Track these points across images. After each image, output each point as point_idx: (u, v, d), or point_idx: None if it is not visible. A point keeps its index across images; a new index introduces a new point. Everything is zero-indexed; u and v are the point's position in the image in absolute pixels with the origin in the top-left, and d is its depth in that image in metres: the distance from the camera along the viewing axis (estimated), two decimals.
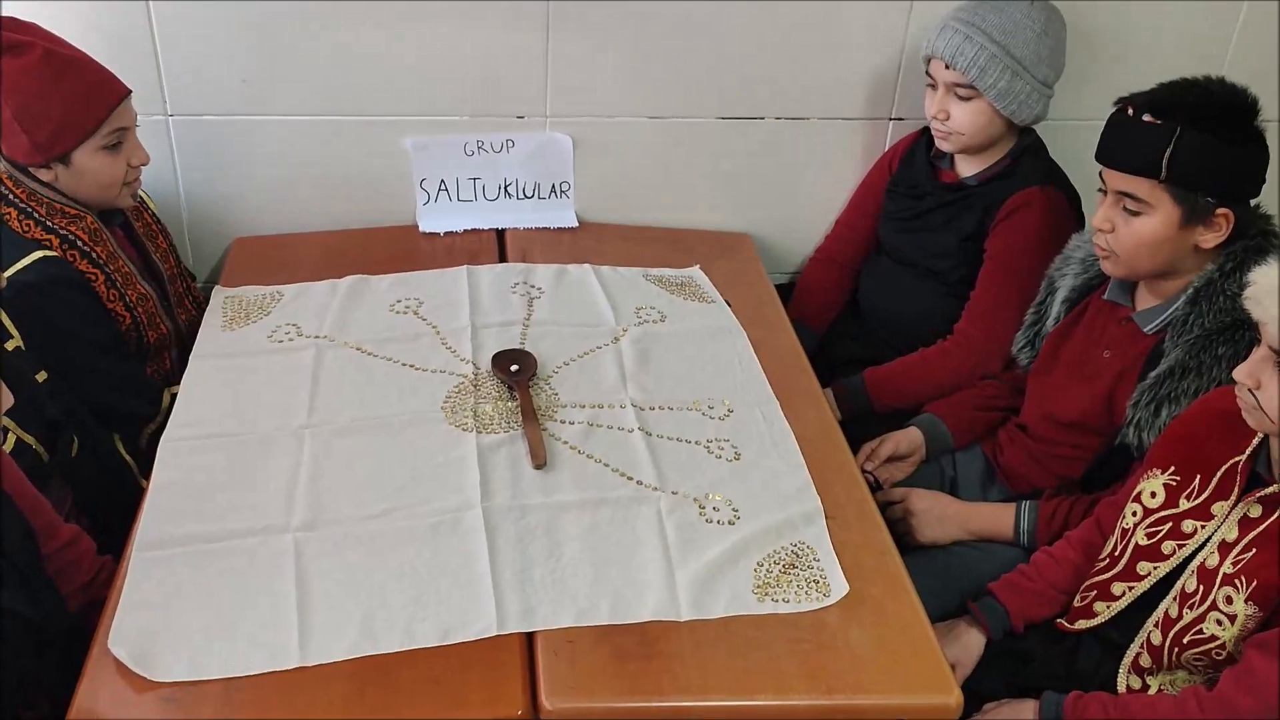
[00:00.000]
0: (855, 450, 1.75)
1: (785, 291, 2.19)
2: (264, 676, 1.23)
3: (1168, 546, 1.45)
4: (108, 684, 1.23)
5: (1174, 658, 1.43)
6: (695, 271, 2.05)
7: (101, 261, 1.72)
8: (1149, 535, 1.47)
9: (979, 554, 1.74)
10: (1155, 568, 1.46)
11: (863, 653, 1.32)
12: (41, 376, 1.60)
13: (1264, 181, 1.58)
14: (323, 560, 1.37)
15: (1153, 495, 1.48)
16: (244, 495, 1.47)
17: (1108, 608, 1.51)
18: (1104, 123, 1.60)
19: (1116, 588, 1.50)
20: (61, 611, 1.36)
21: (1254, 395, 1.30)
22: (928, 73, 1.95)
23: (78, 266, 1.70)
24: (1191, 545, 1.43)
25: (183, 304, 1.93)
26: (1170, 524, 1.45)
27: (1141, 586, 1.47)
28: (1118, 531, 1.52)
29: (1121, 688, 1.48)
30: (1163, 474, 1.48)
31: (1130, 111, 1.56)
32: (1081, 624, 1.54)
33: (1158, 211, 1.55)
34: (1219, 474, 1.42)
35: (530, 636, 1.29)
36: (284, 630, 1.27)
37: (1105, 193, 1.61)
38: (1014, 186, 1.93)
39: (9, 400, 1.19)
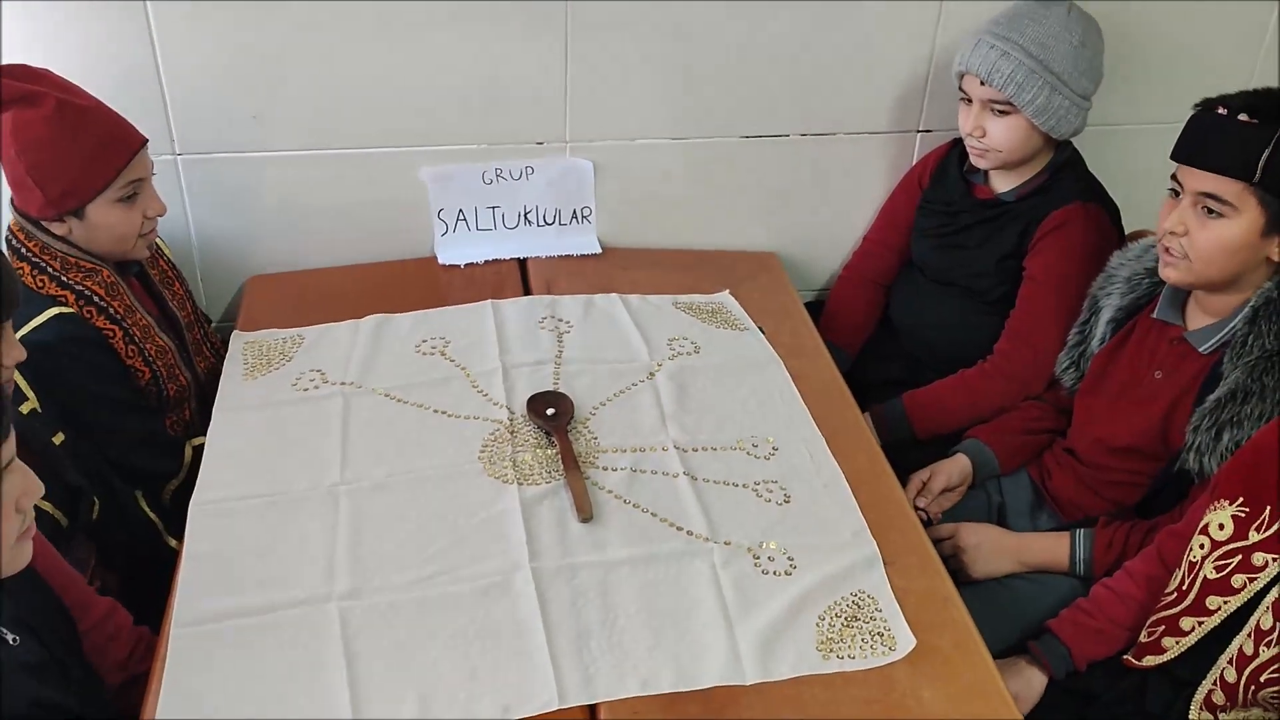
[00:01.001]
0: (900, 477, 1.70)
1: (814, 309, 2.15)
2: None
3: (1238, 580, 1.40)
4: None
5: (1250, 695, 1.39)
6: (725, 297, 1.99)
7: (119, 317, 1.67)
8: (1218, 569, 1.43)
9: (1035, 586, 1.69)
10: (1226, 602, 1.41)
11: (933, 708, 1.28)
12: (59, 439, 1.54)
13: None
14: (370, 633, 1.32)
15: (1221, 527, 1.44)
16: (282, 562, 1.42)
17: (1177, 643, 1.46)
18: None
19: (1185, 623, 1.45)
20: (103, 703, 1.31)
21: None
22: (961, 88, 1.89)
23: (95, 323, 1.64)
24: (1263, 579, 1.38)
25: (201, 351, 1.87)
26: (1240, 556, 1.41)
27: (1212, 622, 1.43)
28: (1184, 564, 1.48)
29: None
30: (1231, 505, 1.44)
31: (1223, 110, 1.51)
32: (1149, 660, 1.49)
33: (1242, 215, 1.50)
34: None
35: (593, 709, 1.25)
36: (336, 710, 1.22)
37: (1177, 194, 1.56)
38: (1054, 203, 1.89)
39: (40, 489, 1.13)
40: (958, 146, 2.02)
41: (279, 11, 1.85)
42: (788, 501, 1.54)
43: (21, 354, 1.39)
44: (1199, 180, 1.53)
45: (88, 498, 1.59)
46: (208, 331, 1.93)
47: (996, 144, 1.86)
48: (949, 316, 2.01)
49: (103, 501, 1.61)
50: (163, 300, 1.80)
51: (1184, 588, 1.47)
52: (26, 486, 1.10)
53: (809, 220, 2.19)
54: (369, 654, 1.29)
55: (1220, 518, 1.44)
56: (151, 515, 1.69)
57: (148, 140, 1.66)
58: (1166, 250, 1.58)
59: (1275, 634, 1.36)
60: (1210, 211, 1.52)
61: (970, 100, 1.88)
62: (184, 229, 1.99)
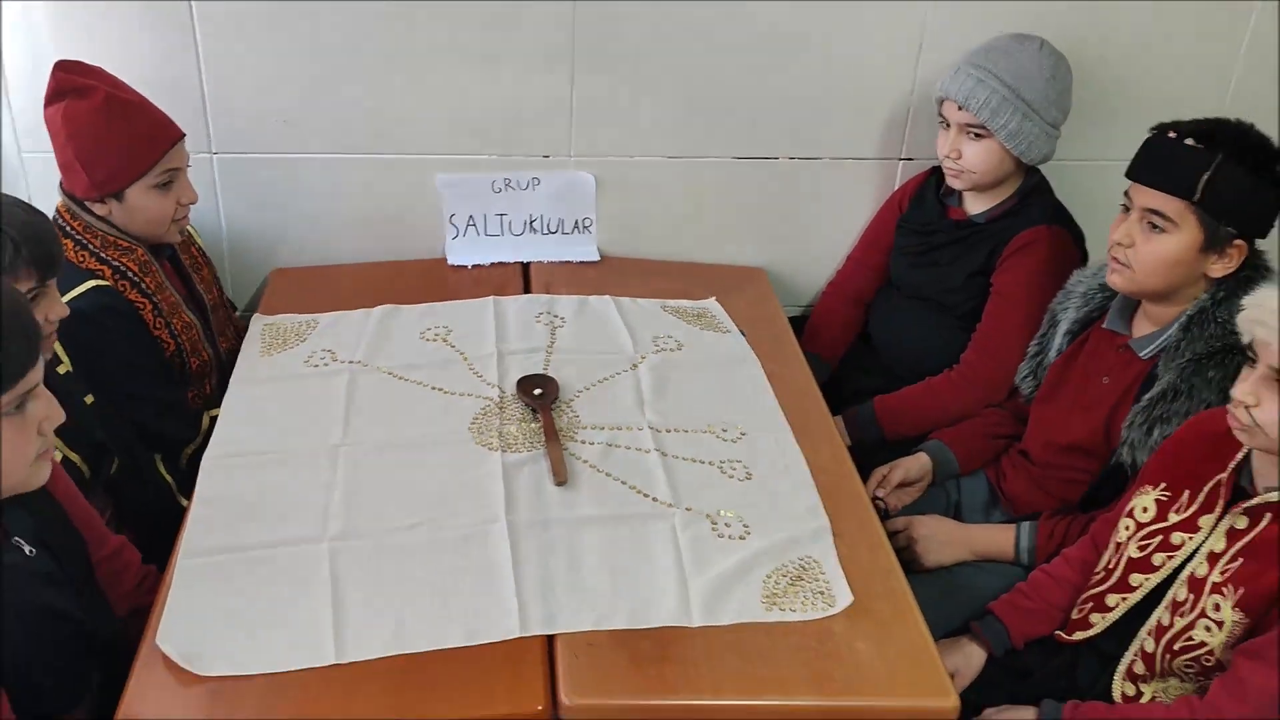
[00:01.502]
0: (864, 475, 1.82)
1: (798, 323, 2.28)
2: (302, 673, 1.31)
3: (1158, 558, 1.52)
4: (156, 679, 1.31)
5: (1166, 665, 1.49)
6: (712, 303, 2.14)
7: (150, 291, 1.83)
8: (1141, 548, 1.54)
9: (980, 572, 1.81)
10: (1147, 579, 1.52)
11: (865, 660, 1.39)
12: (89, 399, 1.70)
13: (1273, 225, 1.66)
14: (356, 569, 1.45)
15: (1144, 510, 1.55)
16: (281, 509, 1.56)
17: (1103, 619, 1.57)
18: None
19: (1111, 599, 1.57)
20: (110, 618, 1.45)
21: (1250, 414, 1.37)
22: (941, 113, 2.03)
23: (127, 296, 1.80)
24: (1180, 556, 1.49)
25: (224, 332, 2.03)
26: (1160, 537, 1.52)
27: (1134, 597, 1.54)
28: (1111, 546, 1.59)
29: (1117, 695, 1.54)
30: (1154, 490, 1.56)
31: (1172, 134, 1.65)
32: (1079, 635, 1.60)
33: (1182, 232, 1.63)
34: (1206, 489, 1.49)
35: (551, 639, 1.37)
36: (320, 631, 1.36)
37: (1128, 210, 1.69)
38: (1020, 225, 2.01)
39: (61, 416, 1.27)
40: (936, 173, 2.16)
41: (314, 29, 2.03)
42: (749, 479, 1.67)
43: (65, 310, 1.55)
44: (1146, 197, 1.66)
45: (110, 455, 1.74)
46: (231, 315, 2.09)
47: (971, 165, 2.00)
48: (921, 330, 2.14)
49: (123, 460, 1.76)
50: (191, 282, 1.96)
51: (1110, 566, 1.58)
52: (49, 412, 1.24)
53: (795, 238, 2.33)
54: (352, 586, 1.42)
55: (1144, 501, 1.56)
56: (167, 477, 1.84)
57: (185, 134, 1.83)
58: (1114, 259, 1.71)
59: (1188, 604, 1.47)
60: (1154, 226, 1.65)
61: (948, 125, 2.02)
62: (215, 222, 2.16)
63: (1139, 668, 1.53)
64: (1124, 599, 1.55)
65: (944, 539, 1.84)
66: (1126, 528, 1.57)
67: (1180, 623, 1.47)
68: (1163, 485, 1.55)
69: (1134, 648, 1.54)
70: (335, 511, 1.55)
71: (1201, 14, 2.19)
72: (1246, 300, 1.39)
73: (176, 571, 1.44)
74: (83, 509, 1.51)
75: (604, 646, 1.37)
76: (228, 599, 1.40)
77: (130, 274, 1.80)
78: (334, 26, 2.03)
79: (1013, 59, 1.97)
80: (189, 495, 1.67)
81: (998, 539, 1.82)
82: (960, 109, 1.97)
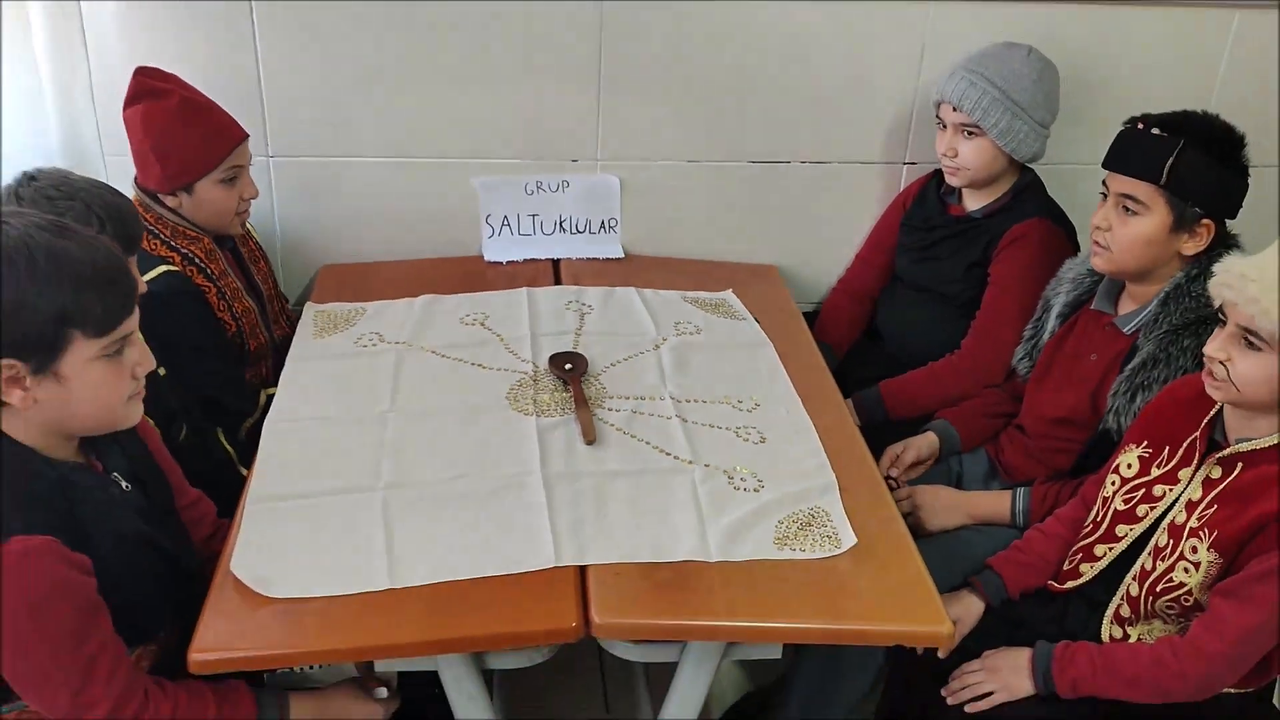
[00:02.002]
0: (874, 453, 1.96)
1: (809, 319, 2.42)
2: (359, 596, 1.46)
3: (1141, 509, 1.65)
4: (229, 602, 1.46)
5: (1150, 607, 1.62)
6: (728, 294, 2.30)
7: (214, 277, 2.00)
8: (1125, 501, 1.68)
9: (979, 535, 1.94)
10: (1131, 529, 1.66)
11: (868, 592, 1.52)
12: (162, 372, 1.86)
13: (1240, 207, 1.82)
14: (405, 511, 1.61)
15: (1129, 466, 1.69)
16: (337, 464, 1.71)
17: (1091, 568, 1.71)
18: (1093, 165, 1.86)
19: (1099, 549, 1.70)
20: (192, 552, 1.61)
21: (1224, 368, 1.50)
22: (938, 115, 2.20)
23: (195, 280, 1.97)
24: (1161, 506, 1.63)
25: (278, 321, 2.20)
26: (1143, 490, 1.66)
27: (1120, 546, 1.67)
28: (1099, 501, 1.73)
29: (1105, 638, 1.67)
30: (1137, 448, 1.69)
31: (1140, 125, 1.81)
32: (1070, 584, 1.73)
33: (1153, 214, 1.78)
34: (1184, 445, 1.63)
35: (582, 570, 1.52)
36: (374, 560, 1.51)
37: (1106, 196, 1.84)
38: (1015, 218, 2.17)
39: (152, 363, 1.43)
40: (937, 175, 2.32)
41: (362, 45, 2.21)
42: (763, 442, 1.82)
43: (143, 287, 1.73)
44: (1120, 184, 1.82)
45: (179, 423, 1.90)
46: (284, 306, 2.26)
47: (966, 163, 2.16)
48: (925, 320, 2.29)
49: (191, 429, 1.93)
50: (249, 273, 2.14)
51: (1098, 519, 1.72)
52: (142, 359, 1.40)
53: (807, 238, 2.49)
54: (402, 525, 1.58)
55: (1129, 459, 1.70)
56: (229, 448, 2.00)
57: (248, 135, 2.01)
58: (1095, 243, 1.87)
59: (1169, 549, 1.60)
60: (1128, 210, 1.81)
61: (945, 125, 2.18)
62: (270, 220, 2.34)
63: (1125, 611, 1.66)
64: (1110, 548, 1.68)
65: (945, 505, 1.98)
66: (1112, 483, 1.71)
67: (1161, 566, 1.60)
68: (1145, 443, 1.69)
69: (1120, 593, 1.67)
70: (385, 466, 1.70)
71: (1186, 22, 2.35)
72: (1216, 267, 1.53)
73: (245, 513, 1.60)
74: (166, 459, 1.66)
75: (630, 575, 1.51)
76: (291, 534, 1.56)
77: (197, 260, 1.98)
78: (381, 43, 2.22)
79: (1002, 63, 2.13)
80: (248, 465, 1.83)
81: (995, 504, 1.95)
82: (955, 110, 2.13)
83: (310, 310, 2.17)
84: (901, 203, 2.40)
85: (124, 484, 1.47)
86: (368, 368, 1.97)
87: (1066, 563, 1.75)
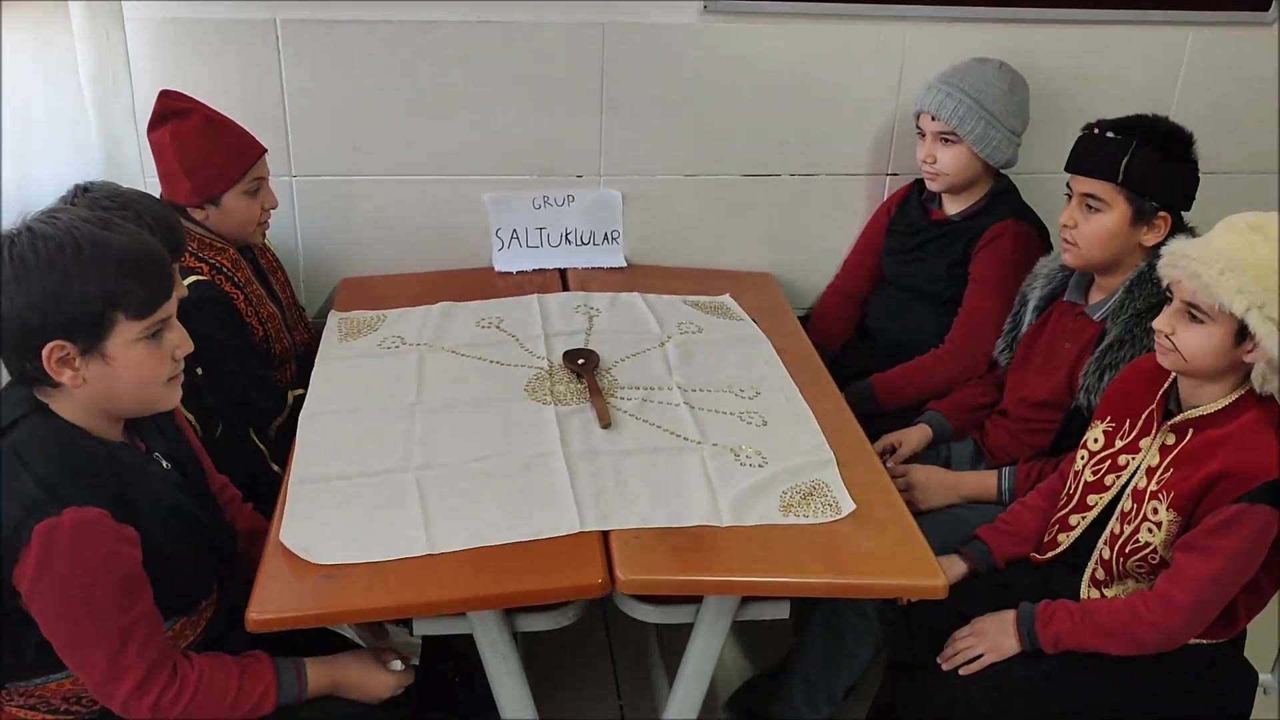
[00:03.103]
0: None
1: (802, 322, 2.57)
2: (400, 561, 1.58)
3: (1109, 479, 1.80)
4: (280, 567, 1.58)
5: (1121, 568, 1.76)
6: (726, 298, 2.44)
7: (241, 284, 2.12)
8: (1094, 473, 1.82)
9: (969, 512, 2.08)
10: (1100, 498, 1.80)
11: (869, 551, 1.66)
12: (199, 371, 1.99)
13: (1194, 199, 1.98)
14: (438, 487, 1.73)
15: (1095, 441, 1.84)
16: (370, 450, 1.83)
17: (1067, 536, 1.84)
18: (1060, 175, 2.03)
19: (1073, 519, 1.84)
20: (228, 528, 1.72)
21: (1170, 340, 1.66)
22: (918, 125, 2.36)
23: (224, 288, 2.08)
24: (1126, 475, 1.77)
25: (297, 327, 2.33)
26: (1109, 461, 1.80)
27: (1091, 515, 1.81)
28: (1071, 475, 1.87)
29: (1083, 598, 1.80)
30: (1102, 424, 1.84)
31: (1096, 130, 1.98)
32: (1049, 554, 1.87)
33: (1114, 210, 1.95)
34: (1143, 417, 1.77)
35: (605, 535, 1.65)
36: (413, 529, 1.63)
37: (1070, 197, 2.01)
38: (991, 220, 2.33)
39: (190, 346, 1.53)
40: (918, 184, 2.48)
41: (378, 70, 2.37)
42: (765, 425, 1.95)
43: (184, 290, 1.85)
44: (1082, 184, 1.98)
45: (215, 420, 2.03)
46: (301, 314, 2.39)
47: (945, 168, 2.32)
48: (910, 317, 2.44)
49: (225, 426, 2.05)
50: (268, 281, 2.26)
51: (1071, 492, 1.86)
52: (180, 342, 1.51)
53: (798, 246, 2.65)
54: (436, 499, 1.70)
55: (1095, 434, 1.85)
56: (260, 444, 2.12)
57: (267, 149, 2.13)
58: (1064, 240, 2.03)
59: (1133, 512, 1.74)
60: (1091, 208, 1.97)
61: (924, 134, 2.34)
62: (292, 236, 2.48)
63: (1100, 574, 1.80)
64: (1083, 517, 1.82)
65: (937, 485, 2.12)
66: (1081, 458, 1.85)
67: (1128, 529, 1.74)
68: (1109, 419, 1.83)
69: (1094, 557, 1.81)
70: (416, 451, 1.83)
71: (1144, 40, 2.54)
72: (1163, 249, 1.69)
73: (289, 492, 1.72)
74: (199, 446, 1.78)
75: (649, 538, 1.64)
76: (333, 508, 1.68)
77: (224, 270, 2.10)
78: (396, 67, 2.37)
79: (976, 76, 2.30)
80: (279, 462, 1.95)
81: (983, 482, 2.10)
82: (933, 119, 2.29)
83: (334, 318, 2.30)
84: (886, 209, 2.55)
85: (165, 464, 1.59)
86: (392, 366, 2.10)
87: (1047, 535, 1.89)
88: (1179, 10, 2.53)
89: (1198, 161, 1.96)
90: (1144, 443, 1.76)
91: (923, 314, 2.42)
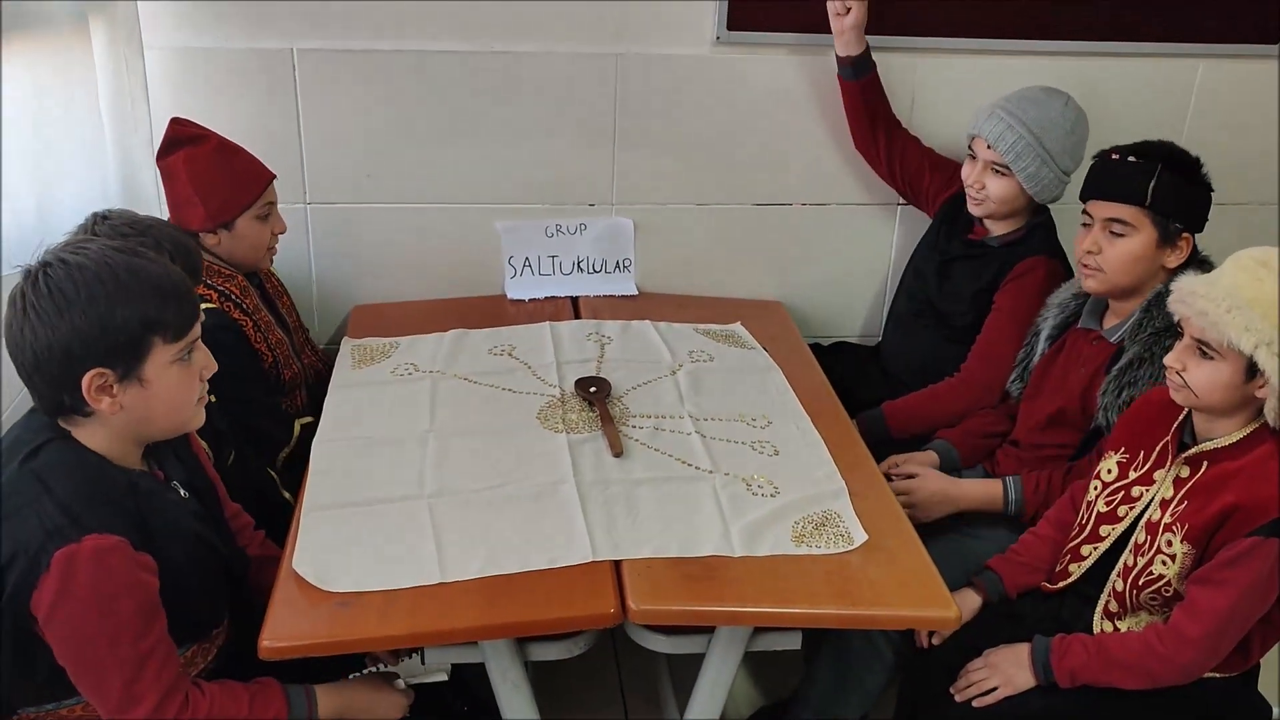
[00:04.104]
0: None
1: (814, 350, 2.57)
2: (413, 589, 1.58)
3: (1122, 510, 1.80)
4: (294, 595, 1.58)
5: (1134, 600, 1.76)
6: (737, 326, 2.45)
7: (250, 311, 2.12)
8: (1107, 504, 1.82)
9: (978, 541, 2.07)
10: (1113, 529, 1.80)
11: (880, 582, 1.65)
12: (212, 398, 1.99)
13: (1206, 220, 2.00)
14: (451, 514, 1.74)
15: (1109, 472, 1.84)
16: (383, 477, 1.84)
17: (1079, 567, 1.84)
18: (1072, 204, 2.03)
19: (1085, 550, 1.84)
20: (241, 554, 1.73)
21: (1181, 376, 1.67)
22: (970, 147, 2.32)
23: (232, 315, 2.08)
24: (1139, 506, 1.77)
25: (304, 351, 2.33)
26: (1123, 492, 1.80)
27: (1104, 545, 1.81)
28: (1084, 506, 1.87)
29: (1096, 630, 1.80)
30: (1115, 454, 1.84)
31: (1116, 155, 1.99)
32: (1061, 584, 1.87)
33: (1140, 233, 1.96)
34: (1158, 448, 1.77)
35: (617, 564, 1.65)
36: (426, 557, 1.64)
37: (1089, 225, 2.01)
38: (1026, 253, 2.30)
39: (215, 366, 1.56)
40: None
41: (396, 98, 2.39)
42: (776, 454, 1.96)
43: (203, 315, 1.87)
44: (1106, 209, 1.99)
45: (229, 446, 2.03)
46: (309, 338, 2.39)
47: (992, 197, 2.29)
48: (921, 343, 2.45)
49: (238, 454, 2.06)
50: (275, 307, 2.27)
51: (1083, 523, 1.86)
52: (207, 362, 1.53)
53: (809, 275, 2.66)
54: (449, 526, 1.71)
55: (1109, 464, 1.85)
56: (271, 472, 2.13)
57: (276, 175, 2.14)
58: (1085, 266, 2.03)
59: (1147, 544, 1.74)
60: (1115, 233, 1.98)
61: (976, 158, 2.31)
62: (306, 263, 2.50)
63: (1113, 606, 1.80)
64: (1095, 548, 1.82)
65: (941, 498, 2.12)
66: (1094, 488, 1.85)
67: (1141, 561, 1.74)
68: (1122, 449, 1.84)
69: (1107, 589, 1.81)
70: (429, 478, 1.83)
71: (1153, 70, 2.55)
72: (1172, 285, 1.70)
73: (303, 519, 1.73)
74: (213, 473, 1.79)
75: (661, 568, 1.64)
76: (346, 536, 1.69)
77: (233, 297, 2.10)
78: (411, 97, 2.40)
79: (1041, 109, 2.25)
80: (289, 490, 1.96)
81: (988, 493, 2.10)
82: (989, 147, 2.26)
83: (348, 344, 2.31)
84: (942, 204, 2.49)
85: (183, 491, 1.60)
86: (405, 394, 2.11)
87: (1058, 564, 1.89)
88: (1189, 43, 2.54)
89: (1210, 183, 1.98)
90: (1158, 474, 1.76)
91: (933, 341, 2.42)
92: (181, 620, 1.49)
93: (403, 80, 2.39)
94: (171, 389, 1.47)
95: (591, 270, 2.60)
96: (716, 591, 1.61)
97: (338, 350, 2.31)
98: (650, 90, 2.46)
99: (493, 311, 2.49)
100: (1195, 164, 1.97)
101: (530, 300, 2.55)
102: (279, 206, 2.17)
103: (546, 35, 2.39)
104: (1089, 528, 1.84)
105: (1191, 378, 1.66)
